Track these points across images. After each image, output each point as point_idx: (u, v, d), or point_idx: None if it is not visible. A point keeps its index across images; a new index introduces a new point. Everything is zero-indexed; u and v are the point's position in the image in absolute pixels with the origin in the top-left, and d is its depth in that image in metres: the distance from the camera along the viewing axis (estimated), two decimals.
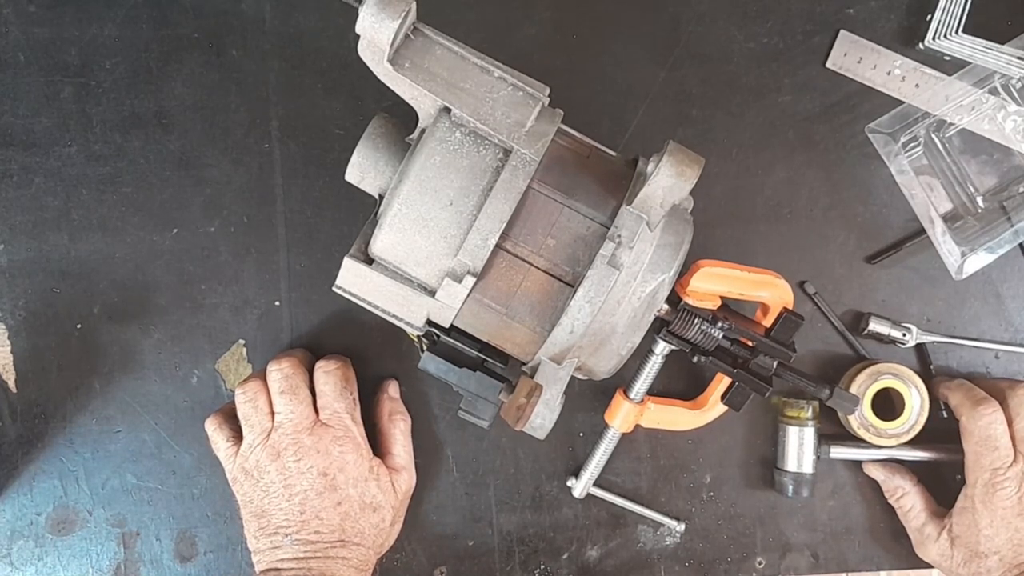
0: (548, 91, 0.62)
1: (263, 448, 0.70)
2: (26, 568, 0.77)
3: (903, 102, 0.78)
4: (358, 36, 0.57)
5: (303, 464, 0.70)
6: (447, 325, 0.64)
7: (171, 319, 0.77)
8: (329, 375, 0.73)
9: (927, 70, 0.78)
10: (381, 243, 0.61)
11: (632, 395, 0.75)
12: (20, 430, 0.77)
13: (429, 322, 0.64)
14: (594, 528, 0.80)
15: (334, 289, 0.64)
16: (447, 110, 0.60)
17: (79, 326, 0.77)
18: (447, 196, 0.59)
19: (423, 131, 0.63)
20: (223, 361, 0.78)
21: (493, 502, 0.79)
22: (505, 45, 0.76)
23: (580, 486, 0.78)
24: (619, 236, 0.60)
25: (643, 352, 0.73)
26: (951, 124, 0.78)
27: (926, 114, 0.78)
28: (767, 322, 0.70)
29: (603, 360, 0.64)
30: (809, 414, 0.77)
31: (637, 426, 0.76)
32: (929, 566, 0.78)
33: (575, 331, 0.61)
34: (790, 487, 0.77)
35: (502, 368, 0.68)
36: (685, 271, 0.69)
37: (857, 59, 0.78)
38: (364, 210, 0.73)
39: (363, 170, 0.65)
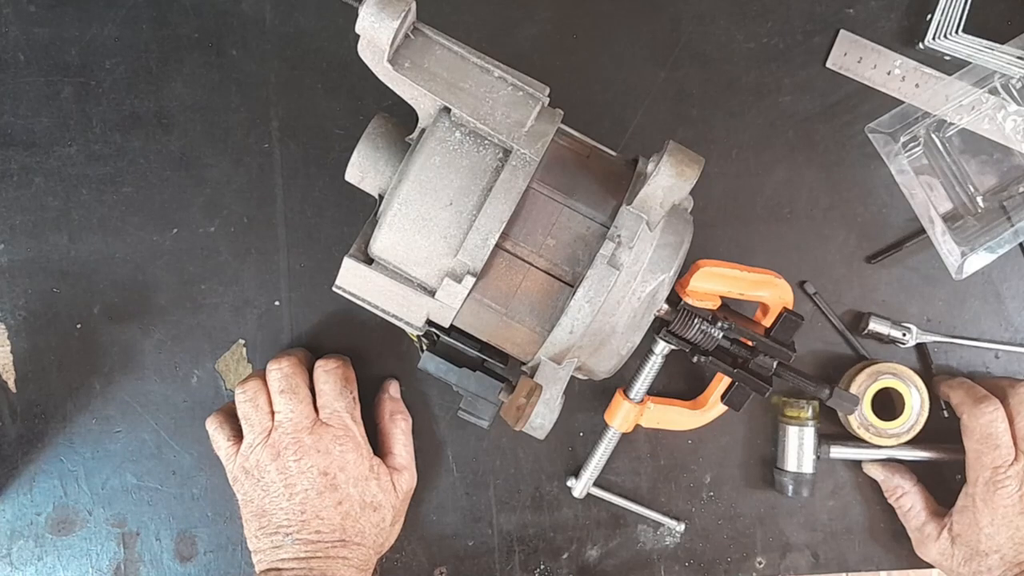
0: (548, 91, 0.62)
1: (263, 447, 0.70)
2: (26, 568, 0.77)
3: (903, 102, 0.78)
4: (358, 36, 0.57)
5: (303, 463, 0.70)
6: (447, 325, 0.64)
7: (171, 319, 0.77)
8: (329, 374, 0.73)
9: (927, 70, 0.78)
10: (381, 243, 0.61)
11: (632, 395, 0.75)
12: (20, 430, 0.77)
13: (429, 322, 0.64)
14: (594, 528, 0.80)
15: (334, 289, 0.64)
16: (447, 110, 0.60)
17: (79, 326, 0.77)
18: (447, 196, 0.59)
19: (423, 131, 0.63)
20: (223, 361, 0.78)
21: (493, 502, 0.79)
22: (505, 45, 0.76)
23: (580, 486, 0.78)
24: (619, 236, 0.60)
25: (643, 352, 0.73)
26: (951, 124, 0.78)
27: (926, 114, 0.78)
28: (767, 322, 0.70)
29: (603, 360, 0.64)
30: (809, 414, 0.77)
31: (637, 426, 0.76)
32: (929, 566, 0.78)
33: (575, 331, 0.61)
34: (790, 487, 0.77)
35: (502, 368, 0.68)
36: (685, 271, 0.69)
37: (857, 59, 0.78)
38: (364, 210, 0.73)
39: (363, 170, 0.65)
